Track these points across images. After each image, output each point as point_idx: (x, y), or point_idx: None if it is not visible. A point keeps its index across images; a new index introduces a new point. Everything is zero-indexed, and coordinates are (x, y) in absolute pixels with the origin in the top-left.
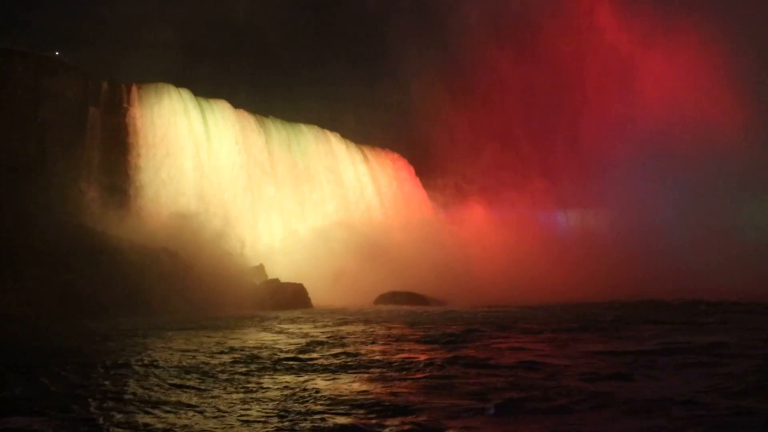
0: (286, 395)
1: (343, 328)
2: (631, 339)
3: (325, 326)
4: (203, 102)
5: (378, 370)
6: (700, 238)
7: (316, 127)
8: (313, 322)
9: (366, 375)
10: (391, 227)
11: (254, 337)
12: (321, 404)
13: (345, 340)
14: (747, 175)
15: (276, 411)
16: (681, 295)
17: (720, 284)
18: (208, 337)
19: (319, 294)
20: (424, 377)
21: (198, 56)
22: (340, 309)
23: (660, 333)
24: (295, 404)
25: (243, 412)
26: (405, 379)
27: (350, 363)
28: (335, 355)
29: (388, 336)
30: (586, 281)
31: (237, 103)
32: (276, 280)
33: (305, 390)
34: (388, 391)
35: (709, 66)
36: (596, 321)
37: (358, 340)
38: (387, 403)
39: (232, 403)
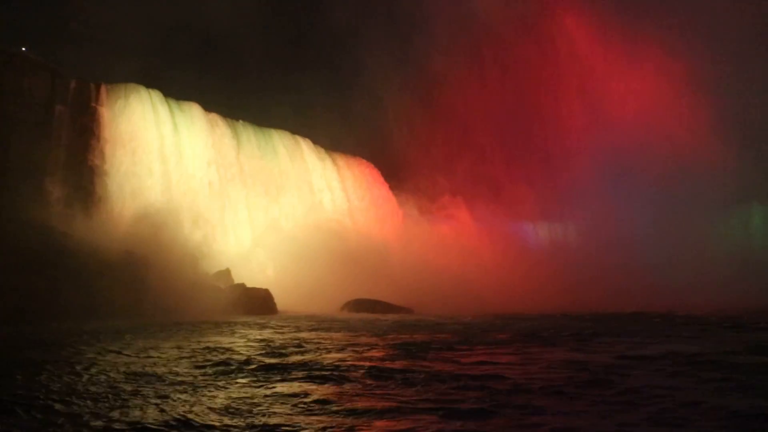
0: (236, 401)
1: (304, 334)
2: (603, 350)
3: (287, 332)
4: (173, 104)
5: (337, 378)
6: (671, 252)
7: (287, 132)
8: (276, 328)
9: (323, 383)
10: (360, 234)
11: (214, 342)
12: (274, 412)
13: (306, 347)
14: (719, 191)
15: (224, 417)
16: (651, 308)
17: (690, 298)
18: (166, 341)
19: (285, 300)
20: (386, 386)
21: (171, 58)
22: (306, 315)
23: (632, 344)
24: (245, 411)
25: (191, 417)
26: (365, 388)
27: (308, 370)
28: (293, 362)
29: (351, 344)
30: (556, 293)
31: (208, 107)
32: (242, 285)
33: (257, 397)
34: (346, 399)
35: (680, 87)
36: (565, 332)
37: (319, 347)
38: (344, 412)
39: (182, 407)
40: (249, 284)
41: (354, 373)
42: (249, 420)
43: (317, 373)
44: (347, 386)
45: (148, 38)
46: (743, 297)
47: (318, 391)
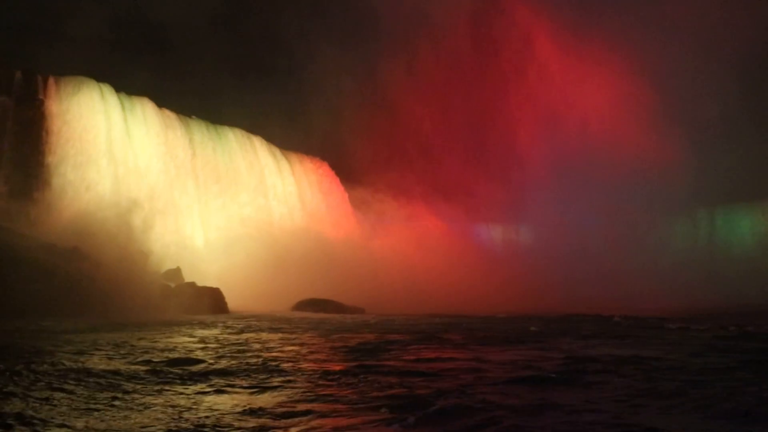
0: (172, 403)
1: (252, 334)
2: (555, 350)
3: (234, 332)
4: (125, 98)
5: (279, 378)
6: (625, 255)
7: (241, 130)
8: (224, 327)
9: (265, 384)
10: (314, 234)
11: (156, 342)
12: (209, 414)
13: (251, 347)
14: (674, 195)
15: (158, 421)
16: (604, 310)
17: (644, 300)
18: (107, 340)
19: (237, 299)
20: (329, 386)
21: (124, 52)
22: (257, 315)
23: (586, 345)
24: (180, 413)
25: (119, 422)
26: (307, 388)
27: (250, 371)
28: (236, 363)
29: (298, 343)
30: (511, 294)
31: (161, 102)
32: (192, 284)
33: (193, 398)
34: (287, 400)
35: (636, 91)
36: (516, 333)
37: (265, 347)
38: (284, 413)
39: (112, 411)
40: (200, 283)
41: (297, 373)
42: (183, 423)
43: (260, 373)
44: (289, 387)
45: (99, 30)
46: (696, 299)
47: (258, 392)
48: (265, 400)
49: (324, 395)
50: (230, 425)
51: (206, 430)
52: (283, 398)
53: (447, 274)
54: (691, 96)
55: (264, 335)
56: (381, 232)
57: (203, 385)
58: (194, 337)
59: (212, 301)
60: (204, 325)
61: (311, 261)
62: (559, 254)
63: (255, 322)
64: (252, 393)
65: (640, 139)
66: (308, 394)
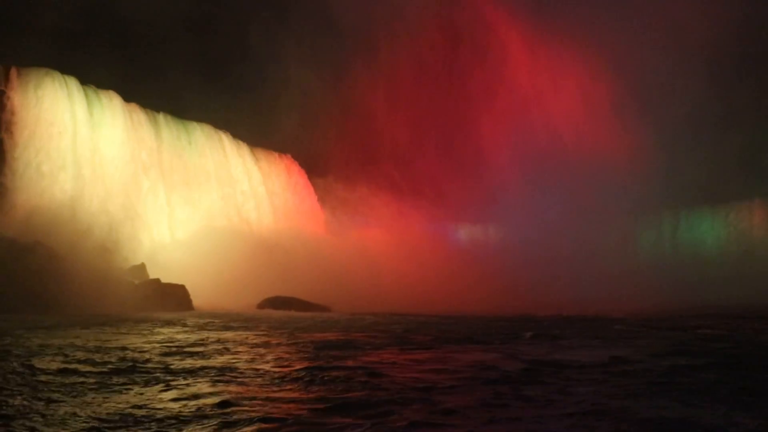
0: (124, 404)
1: (214, 332)
2: (521, 353)
3: (197, 330)
4: (91, 92)
5: (236, 378)
6: (591, 256)
7: (208, 126)
8: (188, 325)
9: (221, 384)
10: (281, 231)
11: (115, 340)
12: (162, 416)
13: (212, 346)
14: (641, 197)
15: (109, 422)
16: (571, 311)
17: (606, 302)
18: (64, 337)
19: (202, 296)
20: (289, 388)
21: (90, 45)
22: (222, 312)
23: (555, 348)
24: (131, 415)
25: (70, 425)
26: (263, 388)
27: (208, 371)
28: (194, 362)
29: (260, 343)
30: (477, 294)
31: (128, 97)
32: (156, 281)
33: (145, 400)
34: (242, 400)
35: (599, 94)
36: (482, 333)
37: (226, 345)
38: (240, 414)
39: (62, 411)
40: (165, 280)
41: (255, 373)
42: (132, 426)
43: (216, 373)
44: (245, 387)
45: (66, 22)
46: (660, 301)
47: (213, 392)
48: (211, 401)
49: (276, 397)
50: (175, 425)
51: (156, 429)
52: (231, 400)
53: (415, 273)
54: (659, 96)
55: (224, 334)
56: (349, 230)
57: (156, 384)
58: (151, 335)
59: (177, 298)
60: (164, 322)
61: (278, 258)
62: (527, 254)
63: (218, 320)
64: (205, 392)
65: (608, 139)
66: (259, 394)
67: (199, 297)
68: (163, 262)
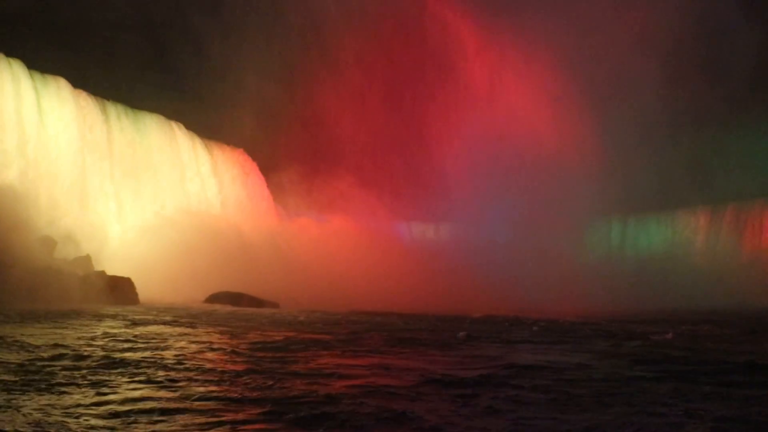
0: (49, 403)
1: (156, 327)
2: (470, 356)
3: (139, 325)
4: (37, 77)
5: (167, 378)
6: (541, 259)
7: (161, 116)
8: (130, 319)
9: (152, 384)
10: (231, 225)
11: (48, 335)
12: (83, 417)
13: (151, 342)
14: (591, 202)
15: (29, 423)
16: (518, 312)
17: (554, 304)
18: None
19: (150, 289)
20: (219, 387)
21: (37, 28)
22: (168, 306)
23: (508, 351)
24: (51, 416)
25: None
26: (191, 389)
27: (140, 369)
28: (128, 359)
29: (201, 339)
30: (429, 293)
31: (78, 84)
32: (101, 273)
33: (70, 399)
34: (167, 401)
35: (552, 97)
36: (431, 334)
37: (166, 342)
38: (165, 413)
39: None
40: (112, 272)
41: (187, 372)
42: (47, 428)
43: (150, 372)
44: (172, 387)
45: (12, 4)
46: (606, 305)
47: (142, 393)
48: (131, 401)
49: (202, 397)
50: (102, 420)
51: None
52: (165, 399)
53: (366, 271)
54: (612, 103)
55: (165, 329)
56: (301, 227)
57: (85, 383)
58: (89, 330)
59: (122, 291)
60: (106, 316)
61: (229, 252)
62: (476, 254)
63: (161, 315)
64: (133, 395)
65: (561, 143)
66: (183, 394)
67: (147, 290)
68: (111, 254)
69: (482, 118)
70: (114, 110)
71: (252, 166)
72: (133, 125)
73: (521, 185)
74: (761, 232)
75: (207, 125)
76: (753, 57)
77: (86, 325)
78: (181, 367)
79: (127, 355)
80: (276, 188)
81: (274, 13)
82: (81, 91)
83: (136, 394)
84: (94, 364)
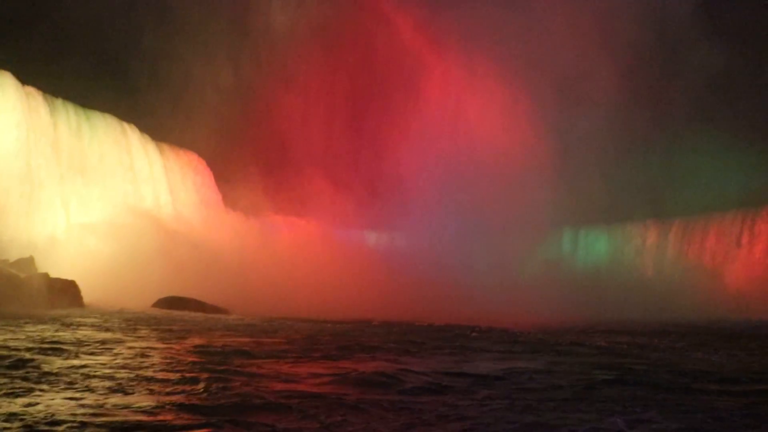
0: None
1: (93, 332)
2: (417, 365)
3: (77, 329)
4: None
5: (98, 384)
6: (493, 269)
7: (112, 117)
8: (69, 323)
9: (82, 390)
10: (182, 229)
11: None
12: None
13: (84, 347)
14: (541, 214)
15: None
16: (471, 321)
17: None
18: None
19: (96, 293)
20: (148, 401)
21: None
22: (114, 310)
23: (460, 359)
24: None
25: None
26: (131, 397)
27: (67, 377)
28: (57, 366)
29: (140, 346)
30: (380, 301)
31: (25, 79)
32: (44, 275)
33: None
34: (97, 408)
35: (508, 107)
36: (378, 341)
37: (102, 346)
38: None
39: None
40: (57, 274)
41: (118, 381)
42: None
43: (78, 381)
44: (97, 396)
45: None
46: (559, 314)
47: (62, 403)
48: (50, 413)
49: (127, 407)
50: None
51: None
52: (74, 409)
53: (320, 278)
54: (566, 116)
55: (103, 334)
56: (254, 232)
57: (11, 391)
58: (21, 334)
59: (66, 294)
60: (44, 320)
61: (180, 256)
62: (432, 265)
63: (107, 318)
64: (38, 404)
65: (515, 156)
66: (108, 403)
67: (93, 293)
68: (57, 255)
69: (439, 131)
70: (63, 107)
71: (205, 169)
72: (82, 123)
73: (477, 197)
74: (704, 246)
75: (160, 128)
76: (704, 78)
77: (20, 329)
78: (112, 374)
79: (54, 360)
80: (229, 192)
81: (230, 21)
82: (29, 87)
83: (56, 403)
84: (17, 372)
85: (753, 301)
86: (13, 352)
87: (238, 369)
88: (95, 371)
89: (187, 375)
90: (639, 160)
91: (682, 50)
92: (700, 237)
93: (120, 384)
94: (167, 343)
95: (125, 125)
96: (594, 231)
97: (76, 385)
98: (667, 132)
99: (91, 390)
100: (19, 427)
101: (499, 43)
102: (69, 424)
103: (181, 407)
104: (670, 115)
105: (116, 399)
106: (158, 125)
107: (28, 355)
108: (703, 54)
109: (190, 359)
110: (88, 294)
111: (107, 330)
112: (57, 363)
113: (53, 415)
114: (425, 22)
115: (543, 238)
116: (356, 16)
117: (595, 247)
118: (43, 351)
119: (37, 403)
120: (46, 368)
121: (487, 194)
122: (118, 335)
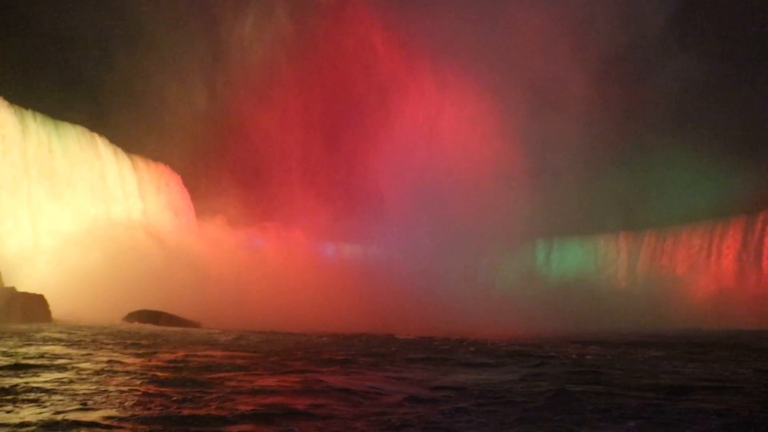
0: None
1: (59, 347)
2: (404, 378)
3: (42, 344)
4: None
5: (60, 401)
6: (469, 281)
7: (83, 128)
8: (35, 339)
9: (43, 407)
10: (153, 243)
11: None
12: None
13: (49, 362)
14: (513, 227)
15: None
16: (446, 334)
17: (481, 326)
18: None
19: (65, 307)
20: (116, 410)
21: None
22: (83, 325)
23: (435, 373)
24: None
25: None
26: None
27: (28, 392)
28: (13, 384)
29: (107, 360)
30: (355, 313)
31: None
32: (11, 289)
33: None
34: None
35: (481, 118)
36: (355, 353)
37: (68, 362)
38: None
39: None
40: (25, 288)
41: (81, 396)
42: None
43: (41, 398)
44: (61, 414)
45: None
46: (532, 326)
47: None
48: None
49: (91, 423)
50: None
51: None
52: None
53: (293, 291)
54: (539, 129)
55: (69, 349)
56: (226, 245)
57: None
58: None
59: (33, 308)
60: (8, 335)
61: (151, 268)
62: (405, 277)
63: (75, 333)
64: (31, 412)
65: (490, 166)
66: (71, 420)
67: (62, 308)
68: (25, 269)
69: (413, 144)
70: (32, 119)
71: (178, 183)
72: (52, 135)
73: (452, 209)
74: (675, 257)
75: (131, 140)
76: (677, 90)
77: None
78: (75, 390)
79: (15, 378)
80: (204, 205)
81: (203, 38)
82: None
83: (14, 421)
84: None
85: (723, 311)
86: None
87: (207, 382)
88: (56, 387)
89: (152, 390)
90: (612, 172)
91: (656, 62)
92: (672, 248)
93: (83, 400)
94: (135, 357)
95: (96, 136)
96: (567, 242)
97: (37, 402)
98: (640, 144)
99: (52, 406)
100: None
101: (472, 56)
102: None
103: (145, 420)
104: (643, 127)
105: (77, 415)
106: (132, 140)
107: None
108: (676, 66)
109: (157, 373)
110: (57, 308)
111: (73, 345)
112: (16, 380)
113: None
114: (398, 38)
115: (517, 250)
116: (330, 33)
117: (569, 259)
118: (3, 368)
119: None
120: (5, 384)
121: (462, 206)
122: (84, 351)
